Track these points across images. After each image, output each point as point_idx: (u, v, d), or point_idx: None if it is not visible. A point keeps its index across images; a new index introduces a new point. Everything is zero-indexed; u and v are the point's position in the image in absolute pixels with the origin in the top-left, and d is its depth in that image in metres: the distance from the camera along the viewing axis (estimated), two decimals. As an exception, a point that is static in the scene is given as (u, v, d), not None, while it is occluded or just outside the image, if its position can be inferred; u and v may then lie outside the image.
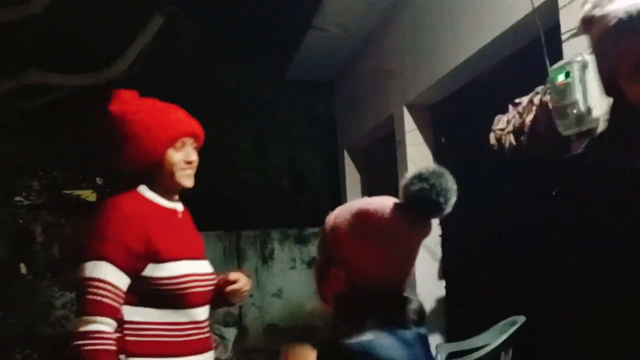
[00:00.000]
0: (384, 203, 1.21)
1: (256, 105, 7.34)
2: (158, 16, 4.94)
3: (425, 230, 1.22)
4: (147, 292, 1.68)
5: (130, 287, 1.66)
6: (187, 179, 1.81)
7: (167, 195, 1.81)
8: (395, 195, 1.21)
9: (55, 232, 5.66)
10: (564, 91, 2.43)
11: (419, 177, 1.18)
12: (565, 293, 2.83)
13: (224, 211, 8.11)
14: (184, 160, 1.79)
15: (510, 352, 3.00)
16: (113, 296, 1.61)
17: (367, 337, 1.11)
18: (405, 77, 4.30)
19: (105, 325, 1.58)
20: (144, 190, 1.79)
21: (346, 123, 5.94)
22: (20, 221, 5.37)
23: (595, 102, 2.38)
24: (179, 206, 1.85)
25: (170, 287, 1.69)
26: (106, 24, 5.36)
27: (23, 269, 5.09)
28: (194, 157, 1.81)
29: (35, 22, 4.68)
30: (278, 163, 7.56)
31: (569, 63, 2.44)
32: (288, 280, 7.99)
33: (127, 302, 1.66)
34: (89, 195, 6.53)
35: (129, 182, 1.80)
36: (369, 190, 5.84)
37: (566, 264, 2.79)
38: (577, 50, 2.47)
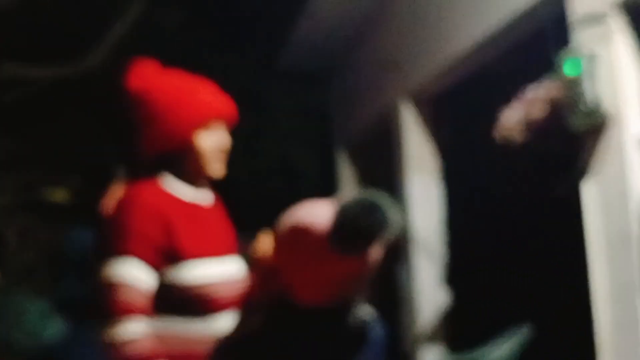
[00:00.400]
0: (320, 222, 1.22)
1: (245, 98, 7.33)
2: (138, 2, 4.94)
3: (363, 262, 1.25)
4: (164, 297, 1.58)
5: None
6: (217, 169, 1.70)
7: (194, 185, 1.70)
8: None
9: (30, 235, 5.66)
10: (572, 85, 2.46)
11: (365, 211, 1.17)
12: (578, 299, 2.86)
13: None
14: (215, 146, 1.67)
15: (516, 362, 3.03)
16: (142, 295, 1.52)
17: None
18: (405, 69, 4.31)
19: (137, 327, 1.49)
20: (166, 179, 1.67)
21: (341, 117, 5.95)
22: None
23: (605, 96, 2.41)
24: (207, 197, 1.74)
25: (189, 290, 1.58)
26: (82, 10, 5.36)
27: (-4, 274, 5.09)
28: (227, 143, 1.69)
29: (8, 11, 4.67)
30: (268, 159, 7.56)
31: (577, 55, 2.47)
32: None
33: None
34: (64, 195, 6.52)
35: (151, 170, 1.69)
36: (366, 188, 5.86)
37: (579, 269, 2.82)
38: (587, 42, 2.49)
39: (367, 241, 1.20)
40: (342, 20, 4.90)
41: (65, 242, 3.03)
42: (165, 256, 1.57)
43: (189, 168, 1.67)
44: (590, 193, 2.58)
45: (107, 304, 1.51)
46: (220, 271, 1.63)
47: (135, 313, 1.50)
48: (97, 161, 6.53)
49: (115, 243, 1.55)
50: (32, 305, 5.23)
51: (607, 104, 2.41)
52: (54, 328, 4.84)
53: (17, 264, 5.39)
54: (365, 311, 1.35)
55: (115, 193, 2.95)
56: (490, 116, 3.11)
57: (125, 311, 1.49)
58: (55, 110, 6.14)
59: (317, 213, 1.24)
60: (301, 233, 1.23)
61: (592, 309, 2.56)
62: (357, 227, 1.17)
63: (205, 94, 1.68)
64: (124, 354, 1.47)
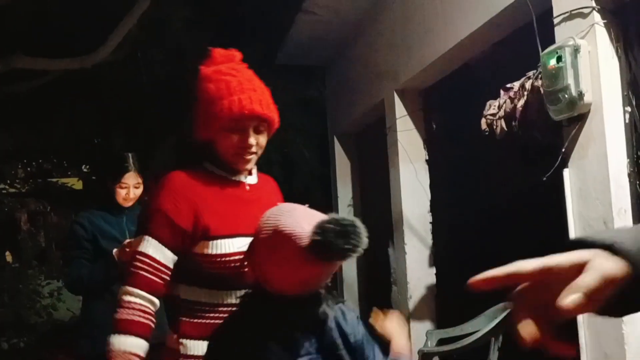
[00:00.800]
0: (300, 234, 1.31)
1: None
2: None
3: (334, 266, 1.39)
4: (198, 271, 1.62)
5: (183, 265, 1.62)
6: (242, 163, 1.71)
7: (231, 171, 1.72)
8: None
9: (41, 220, 5.64)
10: (555, 76, 2.43)
11: (341, 235, 1.28)
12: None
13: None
14: (239, 143, 1.67)
15: (501, 338, 3.03)
16: (152, 270, 1.58)
17: None
18: (397, 62, 4.28)
19: (135, 297, 1.56)
20: (205, 164, 1.72)
21: (337, 108, 5.92)
22: (5, 209, 5.35)
23: (587, 87, 2.39)
24: (247, 180, 1.75)
25: (220, 265, 1.61)
26: (91, 6, 5.30)
27: (9, 257, 5.08)
28: (252, 141, 1.67)
29: (18, 6, 4.62)
30: (267, 150, 7.52)
31: (560, 47, 2.44)
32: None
33: (181, 281, 1.63)
34: (75, 183, 6.49)
35: (198, 153, 1.74)
36: (359, 177, 5.84)
37: (559, 250, 2.80)
38: (569, 35, 2.47)
39: (341, 259, 1.34)
40: (338, 17, 4.86)
41: (74, 225, 3.00)
42: (189, 236, 1.61)
43: (221, 158, 1.72)
44: (572, 180, 2.56)
45: (125, 272, 1.62)
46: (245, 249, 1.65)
47: (137, 283, 1.58)
48: (106, 150, 6.52)
49: (142, 223, 1.66)
50: (43, 286, 5.23)
51: (588, 95, 2.39)
52: (64, 308, 4.82)
53: (28, 247, 5.37)
54: (329, 298, 1.45)
55: (127, 180, 2.93)
56: (477, 107, 3.09)
57: (130, 280, 1.58)
58: (65, 101, 6.10)
59: (298, 223, 1.33)
60: (281, 239, 1.32)
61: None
62: (333, 248, 1.27)
63: (241, 95, 1.66)
64: (116, 314, 1.57)
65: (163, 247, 1.60)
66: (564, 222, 2.59)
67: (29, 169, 6.46)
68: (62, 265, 4.13)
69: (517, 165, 3.27)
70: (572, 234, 2.56)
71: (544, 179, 2.64)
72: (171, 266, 1.61)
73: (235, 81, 1.68)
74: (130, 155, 2.99)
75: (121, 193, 2.93)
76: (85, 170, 6.43)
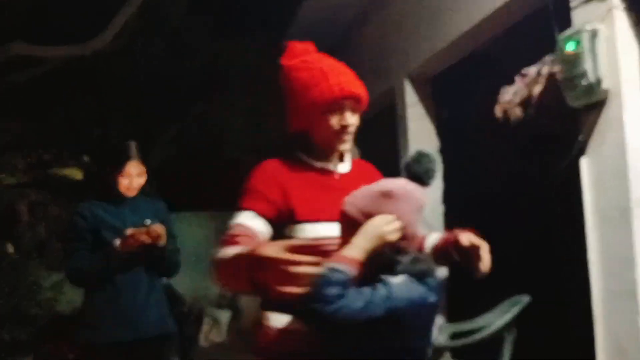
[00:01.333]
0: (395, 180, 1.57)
1: (250, 79, 7.29)
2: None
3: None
4: None
5: None
6: (341, 143, 1.79)
7: (324, 158, 1.81)
8: (395, 175, 1.56)
9: (41, 211, 5.67)
10: (573, 61, 2.42)
11: (426, 157, 1.59)
12: (572, 271, 2.85)
13: (215, 190, 8.07)
14: (339, 124, 1.76)
15: (514, 332, 3.03)
16: (246, 234, 1.64)
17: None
18: (407, 47, 4.26)
19: (230, 252, 1.60)
20: (298, 153, 1.81)
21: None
22: (5, 200, 5.38)
23: (605, 72, 2.37)
24: (338, 168, 1.84)
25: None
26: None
27: (10, 248, 5.12)
28: (350, 120, 1.78)
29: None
30: (274, 139, 7.53)
31: (578, 32, 2.43)
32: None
33: None
34: (76, 174, 6.52)
35: (291, 143, 1.83)
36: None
37: (573, 241, 2.80)
38: (587, 19, 2.45)
39: (428, 181, 1.60)
40: (345, 2, 4.84)
41: (75, 216, 3.01)
42: (280, 213, 1.70)
43: (317, 143, 1.80)
44: (588, 169, 2.55)
45: (221, 240, 1.69)
46: (331, 235, 1.69)
47: (230, 244, 1.64)
48: (106, 140, 6.53)
49: (239, 200, 1.74)
50: (44, 278, 5.27)
51: (607, 81, 2.37)
52: (65, 301, 4.86)
53: (28, 239, 5.40)
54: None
55: (130, 169, 2.94)
56: (491, 94, 3.08)
57: (229, 242, 1.65)
58: (64, 91, 6.12)
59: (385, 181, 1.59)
60: (395, 192, 1.53)
61: (589, 280, 2.55)
62: (429, 172, 1.59)
63: (336, 77, 1.78)
64: (215, 269, 1.64)
65: (257, 217, 1.68)
66: (580, 211, 2.58)
67: (29, 159, 6.49)
68: (63, 257, 4.15)
69: (532, 153, 3.26)
70: (588, 224, 2.55)
71: (560, 168, 2.63)
72: (267, 237, 1.67)
73: (326, 67, 1.80)
74: (132, 143, 3.00)
75: (123, 182, 2.93)
76: (86, 160, 6.46)
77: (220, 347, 6.94)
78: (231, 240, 1.65)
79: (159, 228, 2.77)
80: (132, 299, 2.83)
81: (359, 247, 1.47)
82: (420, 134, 4.28)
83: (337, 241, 1.60)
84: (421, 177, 1.60)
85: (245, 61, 7.07)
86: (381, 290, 1.43)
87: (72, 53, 5.18)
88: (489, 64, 3.61)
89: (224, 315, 7.40)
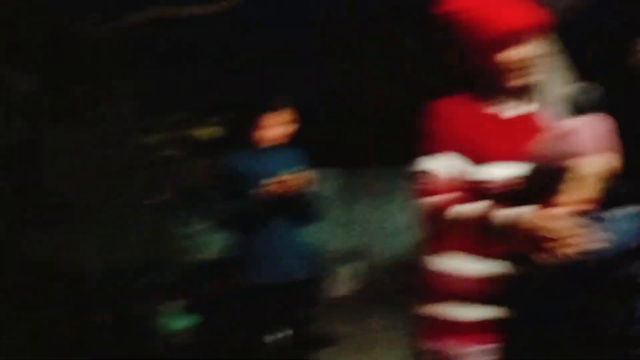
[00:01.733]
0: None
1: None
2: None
3: None
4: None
5: None
6: (514, 79, 1.77)
7: (498, 98, 1.80)
8: None
9: (186, 166, 6.01)
10: None
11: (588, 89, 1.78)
12: None
13: (346, 146, 8.15)
14: (511, 59, 1.73)
15: None
16: (434, 182, 1.70)
17: None
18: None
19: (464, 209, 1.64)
20: (469, 94, 1.81)
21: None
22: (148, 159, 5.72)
23: None
24: (512, 108, 1.82)
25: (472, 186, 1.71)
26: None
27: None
28: (523, 53, 1.74)
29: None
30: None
31: None
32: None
33: None
34: (217, 132, 6.81)
35: (463, 86, 1.83)
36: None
37: None
38: None
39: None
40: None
41: (224, 166, 3.19)
42: (462, 153, 1.72)
43: (491, 83, 1.78)
44: None
45: (418, 189, 1.74)
46: (502, 175, 1.72)
47: (422, 196, 1.71)
48: (246, 96, 6.77)
49: (422, 145, 1.77)
50: (194, 224, 5.62)
51: None
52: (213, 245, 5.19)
53: (175, 191, 5.76)
54: None
55: (269, 122, 3.10)
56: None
57: (431, 191, 1.70)
58: (201, 50, 6.36)
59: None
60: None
61: None
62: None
63: (512, 10, 1.73)
64: (421, 183, 1.71)
65: (448, 159, 1.71)
66: None
67: (172, 118, 6.89)
68: (211, 206, 4.42)
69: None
70: None
71: None
72: (457, 176, 1.71)
73: (494, 2, 1.75)
74: (275, 98, 3.14)
75: (268, 133, 3.11)
76: (226, 116, 6.76)
77: (349, 299, 7.16)
78: (434, 190, 1.68)
79: (307, 174, 2.94)
80: (284, 243, 3.04)
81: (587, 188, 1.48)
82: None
83: (517, 183, 1.63)
84: (590, 108, 1.66)
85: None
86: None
87: (197, 12, 5.40)
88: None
89: (353, 268, 7.59)
